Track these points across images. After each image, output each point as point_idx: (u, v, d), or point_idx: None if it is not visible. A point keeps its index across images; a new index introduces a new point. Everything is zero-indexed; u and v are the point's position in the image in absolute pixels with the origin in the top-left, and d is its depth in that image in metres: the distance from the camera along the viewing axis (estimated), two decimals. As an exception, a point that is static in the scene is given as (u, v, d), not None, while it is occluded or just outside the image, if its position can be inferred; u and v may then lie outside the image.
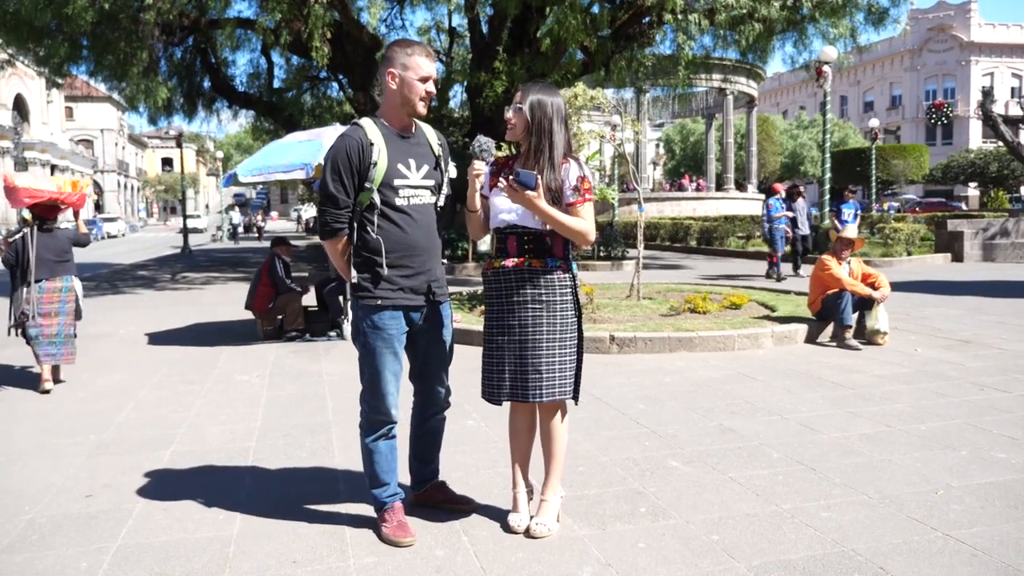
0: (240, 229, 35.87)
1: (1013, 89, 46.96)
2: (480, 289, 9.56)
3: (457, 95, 19.29)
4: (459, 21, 17.21)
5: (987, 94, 23.84)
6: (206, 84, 18.40)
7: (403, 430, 2.83)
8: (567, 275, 2.66)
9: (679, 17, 11.66)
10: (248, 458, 3.70)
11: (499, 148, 8.44)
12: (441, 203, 2.82)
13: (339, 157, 2.60)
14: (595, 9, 13.33)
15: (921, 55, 49.06)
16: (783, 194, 12.41)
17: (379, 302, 2.64)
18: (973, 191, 41.55)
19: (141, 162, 72.41)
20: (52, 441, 4.06)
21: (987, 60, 47.90)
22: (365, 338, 2.67)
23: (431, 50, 2.73)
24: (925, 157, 36.39)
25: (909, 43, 47.37)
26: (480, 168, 2.59)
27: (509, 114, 2.62)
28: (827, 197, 16.29)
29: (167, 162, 75.98)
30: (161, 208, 76.81)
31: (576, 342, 2.67)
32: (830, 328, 6.67)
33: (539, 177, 2.51)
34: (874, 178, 26.64)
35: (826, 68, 14.49)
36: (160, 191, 72.16)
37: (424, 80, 2.63)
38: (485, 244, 14.51)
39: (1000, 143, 19.90)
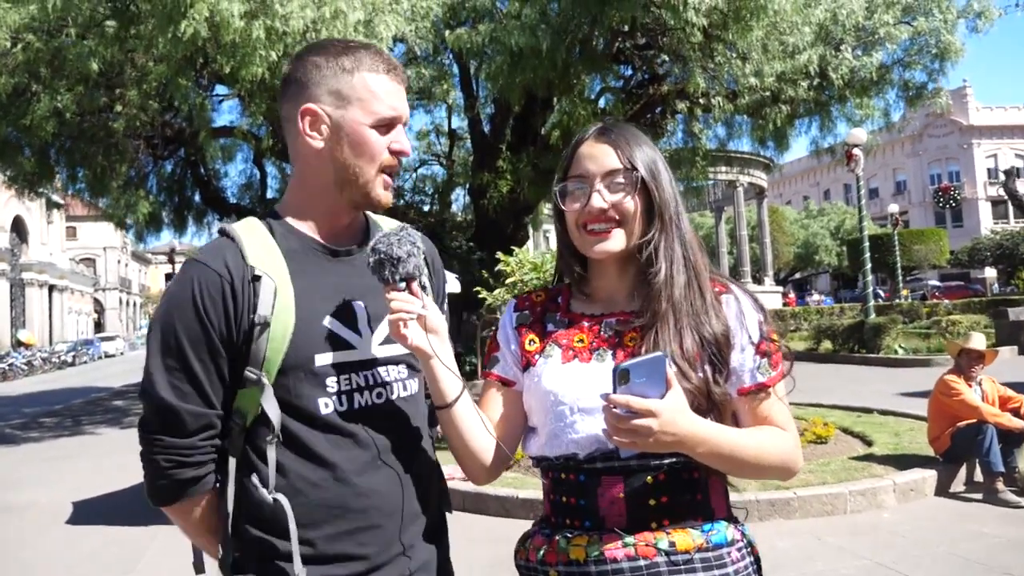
0: None
1: (1019, 169, 46.62)
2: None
3: (460, 198, 18.38)
4: (459, 124, 16.49)
5: (1009, 174, 22.97)
6: (197, 198, 17.68)
7: None
8: (746, 557, 1.15)
9: (700, 101, 10.64)
10: None
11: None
12: (418, 387, 1.30)
13: (180, 318, 1.15)
14: (603, 102, 12.48)
15: (922, 140, 49.13)
16: None
17: None
18: (991, 272, 40.17)
19: (144, 278, 72.25)
20: None
21: (988, 142, 47.82)
22: None
23: (394, 60, 1.26)
24: (945, 241, 35.38)
25: (909, 129, 47.48)
26: (408, 306, 1.15)
27: (603, 200, 1.18)
28: (869, 290, 14.79)
29: (170, 277, 76.05)
30: (164, 323, 76.33)
31: None
32: (963, 472, 4.99)
33: (669, 359, 1.07)
34: (899, 265, 25.38)
35: (856, 151, 13.43)
36: (162, 306, 71.71)
37: (387, 125, 1.21)
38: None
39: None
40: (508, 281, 6.82)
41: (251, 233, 1.20)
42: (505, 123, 12.56)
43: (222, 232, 1.22)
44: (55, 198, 18.85)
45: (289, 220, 1.24)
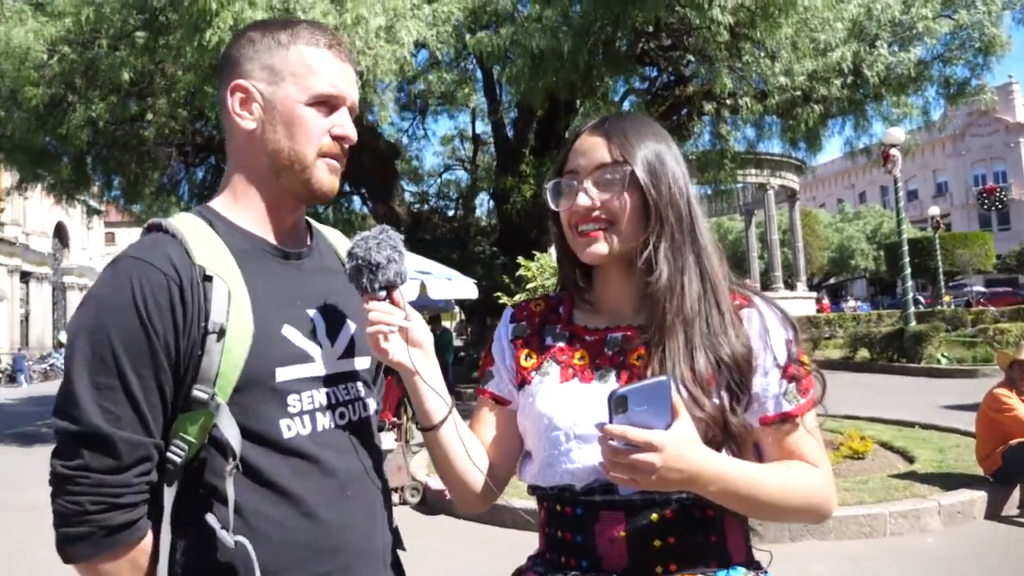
0: None
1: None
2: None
3: (484, 203, 18.38)
4: (483, 128, 16.46)
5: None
6: (226, 204, 18.08)
7: None
8: None
9: (728, 102, 10.36)
10: None
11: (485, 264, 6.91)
12: (375, 407, 1.16)
13: (116, 326, 0.96)
14: (627, 104, 12.27)
15: (964, 139, 47.56)
16: None
17: None
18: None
19: (181, 283, 74.10)
20: None
21: (1038, 141, 46.12)
22: None
23: (339, 36, 1.12)
24: (990, 245, 34.13)
25: (950, 128, 46.04)
26: (389, 317, 1.01)
27: (589, 198, 1.04)
28: (909, 295, 14.24)
29: (206, 282, 77.73)
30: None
31: None
32: (1016, 494, 4.67)
33: (675, 381, 0.93)
34: (941, 270, 24.54)
35: (894, 152, 12.97)
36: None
37: (327, 105, 1.07)
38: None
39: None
40: (529, 286, 6.67)
41: (192, 229, 1.03)
42: (528, 127, 12.45)
43: (156, 228, 1.05)
44: (93, 204, 19.35)
45: (228, 216, 1.08)
